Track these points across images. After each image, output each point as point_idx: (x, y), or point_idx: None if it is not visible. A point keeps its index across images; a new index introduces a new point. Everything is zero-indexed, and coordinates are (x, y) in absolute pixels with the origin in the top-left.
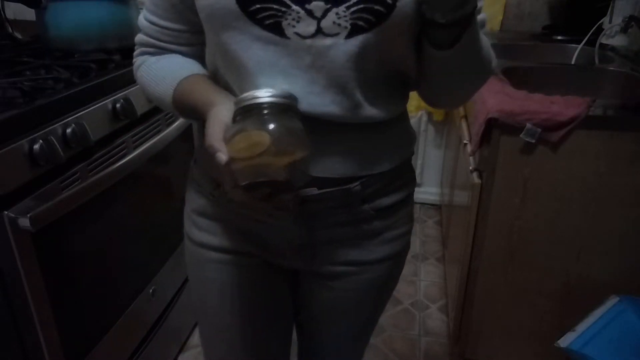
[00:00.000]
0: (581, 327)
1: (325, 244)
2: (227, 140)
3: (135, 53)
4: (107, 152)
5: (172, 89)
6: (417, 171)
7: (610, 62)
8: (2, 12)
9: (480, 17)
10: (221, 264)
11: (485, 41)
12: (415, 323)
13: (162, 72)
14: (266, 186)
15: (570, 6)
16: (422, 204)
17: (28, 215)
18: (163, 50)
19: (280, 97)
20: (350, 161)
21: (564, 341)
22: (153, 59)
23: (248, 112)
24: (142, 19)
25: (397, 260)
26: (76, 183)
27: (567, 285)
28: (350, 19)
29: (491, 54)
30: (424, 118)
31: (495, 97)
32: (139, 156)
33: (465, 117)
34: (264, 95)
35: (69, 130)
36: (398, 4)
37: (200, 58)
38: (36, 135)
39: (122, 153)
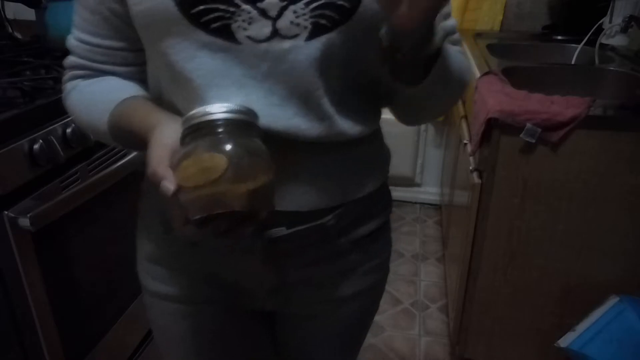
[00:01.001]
0: (581, 327)
1: (299, 285)
2: (175, 166)
3: (64, 78)
4: (107, 152)
5: (108, 114)
6: (417, 171)
7: (610, 62)
8: (2, 12)
9: (449, 23)
10: (184, 317)
11: (457, 57)
12: (415, 323)
13: (96, 96)
14: (223, 219)
15: (570, 6)
16: (422, 204)
17: (28, 215)
18: (97, 72)
19: (238, 112)
20: (322, 190)
21: (564, 341)
22: (85, 82)
23: (199, 132)
24: (71, 38)
25: (378, 288)
26: (76, 183)
27: (567, 285)
28: (311, 17)
29: (464, 67)
30: None
31: (495, 97)
32: (139, 156)
33: (465, 117)
34: (217, 110)
35: (69, 130)
36: None
37: (140, 81)
38: (36, 135)
39: (122, 153)
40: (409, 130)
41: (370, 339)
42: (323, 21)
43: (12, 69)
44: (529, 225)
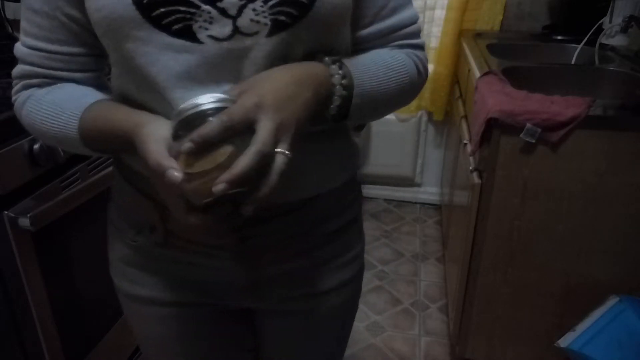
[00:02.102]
0: (581, 327)
1: (275, 280)
2: (175, 157)
3: (15, 89)
4: None
5: (77, 120)
6: (417, 171)
7: (610, 62)
8: (2, 12)
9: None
10: (162, 319)
11: (395, 75)
12: (415, 323)
13: (59, 104)
14: (230, 199)
15: (570, 6)
16: (422, 204)
17: (28, 215)
18: (54, 80)
19: (225, 100)
20: (295, 183)
21: (564, 341)
22: (41, 91)
23: (192, 122)
24: (21, 46)
25: (355, 284)
26: (76, 183)
27: (567, 285)
28: (270, 14)
29: (409, 78)
30: (424, 118)
31: (495, 97)
32: None
33: (465, 117)
34: (206, 101)
35: None
36: None
37: (98, 86)
38: None
39: None
40: (409, 130)
41: (370, 339)
42: (282, 17)
43: (12, 69)
44: (529, 225)
